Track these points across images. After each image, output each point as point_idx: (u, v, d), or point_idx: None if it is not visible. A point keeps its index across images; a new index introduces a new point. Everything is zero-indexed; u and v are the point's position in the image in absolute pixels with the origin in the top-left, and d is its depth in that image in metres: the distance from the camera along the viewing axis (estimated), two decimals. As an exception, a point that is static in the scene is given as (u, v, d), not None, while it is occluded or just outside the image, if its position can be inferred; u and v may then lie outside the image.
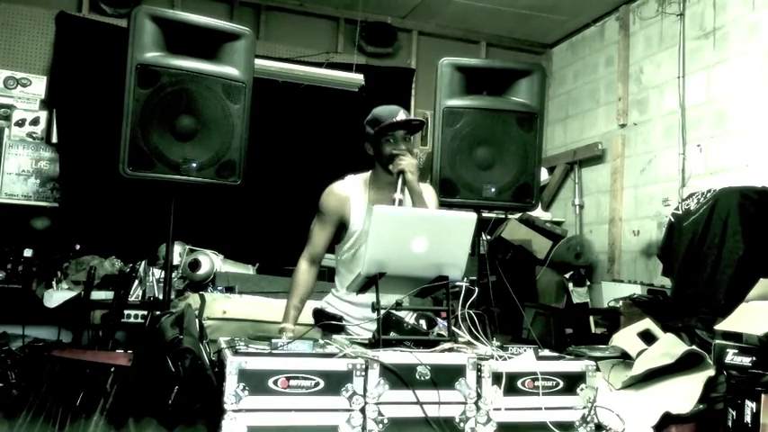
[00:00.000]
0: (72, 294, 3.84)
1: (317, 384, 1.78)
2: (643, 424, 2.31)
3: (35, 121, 4.54)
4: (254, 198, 4.69)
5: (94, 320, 3.67)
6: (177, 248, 4.20)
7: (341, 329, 2.56)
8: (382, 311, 2.03)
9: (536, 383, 1.93)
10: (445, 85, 3.42)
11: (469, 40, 5.87)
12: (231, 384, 1.71)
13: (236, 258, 4.53)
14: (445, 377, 1.88)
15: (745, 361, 2.50)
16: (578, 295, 5.00)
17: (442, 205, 3.22)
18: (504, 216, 4.89)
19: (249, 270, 4.50)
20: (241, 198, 4.37)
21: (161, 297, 3.35)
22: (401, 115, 2.58)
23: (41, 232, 4.42)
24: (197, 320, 2.17)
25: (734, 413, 2.28)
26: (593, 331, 4.23)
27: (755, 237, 3.25)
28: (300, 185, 4.85)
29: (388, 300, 2.08)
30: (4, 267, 4.05)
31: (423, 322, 2.11)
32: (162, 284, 3.55)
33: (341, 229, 2.65)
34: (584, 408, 1.99)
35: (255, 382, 1.73)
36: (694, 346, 2.67)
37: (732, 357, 2.55)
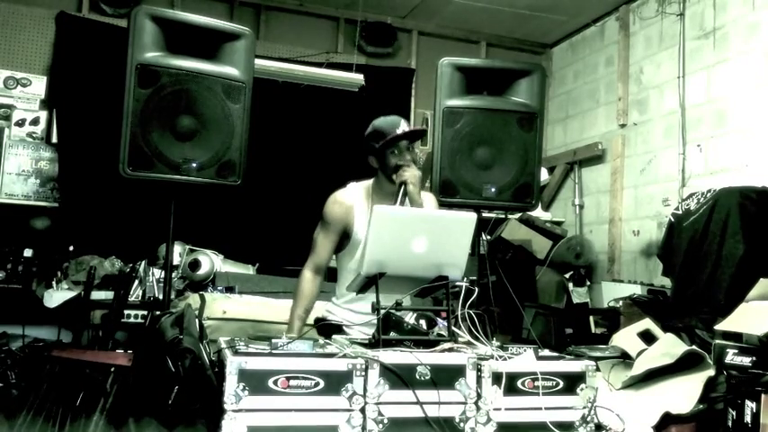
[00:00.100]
0: (72, 294, 3.84)
1: (316, 384, 1.78)
2: (643, 424, 2.31)
3: (35, 121, 4.54)
4: (254, 198, 4.69)
5: (94, 320, 3.67)
6: (177, 248, 4.20)
7: (340, 332, 2.57)
8: (382, 311, 2.03)
9: (536, 383, 1.94)
10: (445, 85, 3.41)
11: (469, 40, 5.87)
12: (231, 384, 1.71)
13: (236, 258, 4.53)
14: (445, 377, 1.88)
15: (745, 361, 2.50)
16: (578, 295, 5.00)
17: (442, 205, 3.22)
18: (504, 216, 4.89)
19: (249, 270, 4.50)
20: (241, 198, 4.37)
21: (161, 297, 3.35)
22: (403, 125, 2.59)
23: (41, 232, 4.42)
24: (197, 320, 2.17)
25: (734, 413, 2.28)
26: (593, 331, 4.23)
27: (755, 237, 3.25)
28: (300, 186, 4.86)
29: (388, 300, 2.08)
30: (4, 267, 4.05)
31: (423, 322, 2.11)
32: (162, 284, 3.55)
33: (343, 238, 2.65)
34: (584, 408, 1.99)
35: (255, 382, 1.73)
36: (694, 346, 2.67)
37: (732, 357, 2.55)
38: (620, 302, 4.01)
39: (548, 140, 5.89)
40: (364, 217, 2.61)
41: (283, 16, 5.40)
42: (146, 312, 3.57)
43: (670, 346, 2.70)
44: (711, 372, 2.49)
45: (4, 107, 4.50)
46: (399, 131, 2.57)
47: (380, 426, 1.81)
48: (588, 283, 5.10)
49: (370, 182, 2.71)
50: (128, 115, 2.90)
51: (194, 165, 3.02)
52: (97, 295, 3.75)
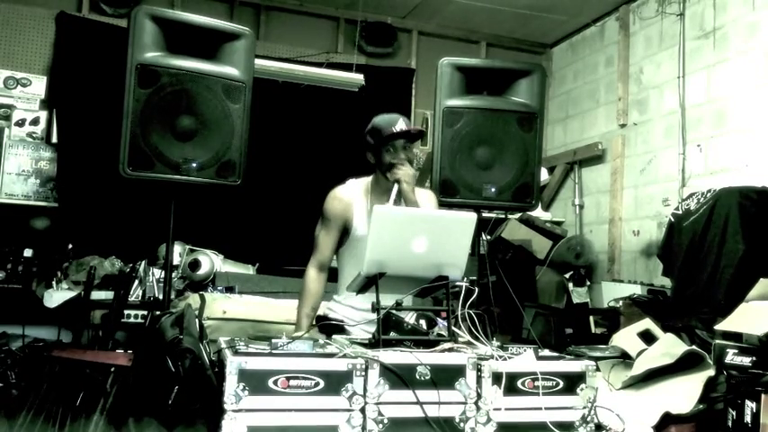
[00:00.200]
0: (72, 294, 3.84)
1: (316, 384, 1.78)
2: (643, 424, 2.31)
3: (35, 121, 4.54)
4: (254, 198, 4.69)
5: (94, 320, 3.67)
6: (177, 248, 4.20)
7: (341, 331, 2.57)
8: (382, 311, 2.03)
9: (536, 383, 1.93)
10: (445, 85, 3.41)
11: (469, 40, 5.87)
12: (231, 384, 1.71)
13: (236, 258, 4.53)
14: (445, 377, 1.88)
15: (745, 361, 2.50)
16: (578, 295, 5.00)
17: (442, 205, 3.22)
18: (504, 216, 4.89)
19: (249, 270, 4.50)
20: (241, 198, 4.37)
21: (161, 297, 3.35)
22: (401, 123, 2.59)
23: (41, 232, 4.42)
24: (197, 320, 2.17)
25: (734, 413, 2.28)
26: (593, 331, 4.23)
27: (755, 237, 3.25)
28: (300, 185, 4.86)
29: (388, 300, 2.08)
30: (4, 267, 4.05)
31: (423, 322, 2.11)
32: (162, 284, 3.55)
33: (343, 234, 2.65)
34: (584, 408, 1.99)
35: (255, 382, 1.73)
36: (694, 346, 2.67)
37: (732, 357, 2.55)
38: (620, 302, 4.01)
39: (548, 140, 5.89)
40: (363, 213, 2.62)
41: (283, 16, 5.40)
42: (146, 312, 3.57)
43: (670, 346, 2.70)
44: (711, 372, 2.49)
45: (4, 107, 4.50)
46: (396, 129, 2.58)
47: (380, 426, 1.81)
48: (588, 283, 5.10)
49: (369, 178, 2.72)
50: (128, 115, 2.90)
51: (194, 165, 3.01)
52: (97, 295, 3.75)
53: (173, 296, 3.53)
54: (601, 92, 5.43)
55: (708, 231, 3.42)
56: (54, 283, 4.03)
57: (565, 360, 2.08)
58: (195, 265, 4.13)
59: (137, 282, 4.01)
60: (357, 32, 5.43)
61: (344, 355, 1.86)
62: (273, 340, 1.89)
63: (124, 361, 2.60)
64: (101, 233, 4.42)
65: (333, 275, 2.87)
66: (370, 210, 2.60)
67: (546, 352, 2.13)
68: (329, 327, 2.55)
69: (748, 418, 2.21)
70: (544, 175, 5.41)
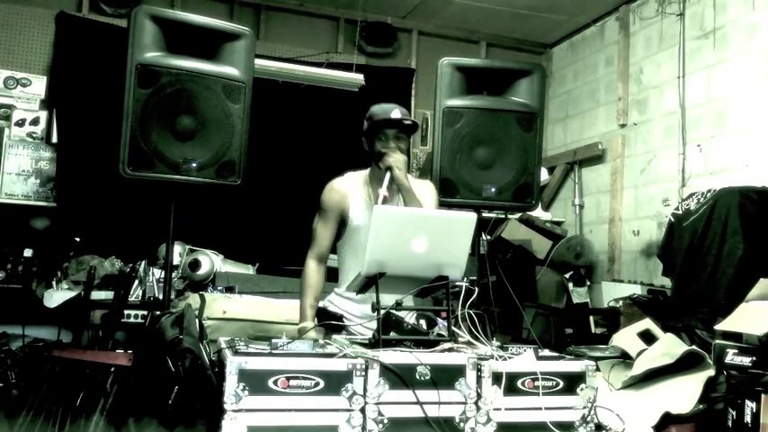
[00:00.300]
0: (72, 294, 3.83)
1: (317, 384, 1.78)
2: (643, 424, 2.31)
3: (35, 121, 4.54)
4: (254, 198, 4.69)
5: (94, 320, 3.67)
6: (177, 248, 4.19)
7: (341, 329, 2.57)
8: (382, 311, 2.03)
9: (536, 383, 1.93)
10: (445, 85, 3.41)
11: (469, 40, 5.87)
12: (231, 384, 1.71)
13: (236, 258, 4.53)
14: (445, 377, 1.88)
15: (745, 361, 2.50)
16: (578, 295, 5.00)
17: (442, 205, 3.22)
18: (504, 216, 4.89)
19: (249, 270, 4.50)
20: (241, 198, 4.37)
21: (161, 297, 3.35)
22: (396, 113, 2.59)
23: (41, 232, 4.42)
24: (197, 320, 2.17)
25: (734, 413, 2.28)
26: (593, 331, 4.23)
27: (755, 237, 3.25)
28: (300, 185, 4.84)
29: (388, 300, 2.08)
30: (4, 267, 4.05)
31: (423, 322, 2.11)
32: (162, 284, 3.55)
33: (341, 225, 2.66)
34: (585, 408, 1.99)
35: (255, 382, 1.73)
36: (694, 346, 2.67)
37: (732, 357, 2.55)
38: (620, 302, 4.01)
39: (548, 140, 5.89)
40: (359, 203, 2.62)
41: (283, 16, 5.40)
42: (146, 312, 3.57)
43: (670, 346, 2.70)
44: (711, 372, 2.49)
45: (4, 107, 4.50)
46: (386, 117, 2.59)
47: (380, 426, 1.81)
48: (588, 283, 5.10)
49: (367, 170, 2.72)
50: (128, 115, 2.90)
51: (194, 165, 3.01)
52: (97, 295, 3.75)
53: (173, 296, 3.53)
54: (601, 92, 5.43)
55: (708, 231, 3.42)
56: (54, 283, 4.03)
57: (565, 360, 2.09)
58: (195, 265, 4.13)
59: (137, 282, 4.01)
60: (357, 32, 5.43)
61: (344, 355, 1.86)
62: (273, 340, 1.89)
63: (124, 361, 2.60)
64: (101, 233, 4.42)
65: (332, 276, 2.87)
66: (367, 200, 2.61)
67: (546, 352, 2.13)
68: (328, 321, 2.55)
69: (748, 418, 2.21)
70: (544, 175, 5.40)
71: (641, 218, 4.85)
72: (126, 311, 3.64)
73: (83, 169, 4.48)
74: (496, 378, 1.90)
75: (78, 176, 4.49)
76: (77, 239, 4.22)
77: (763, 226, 3.28)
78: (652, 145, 4.79)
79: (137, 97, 2.91)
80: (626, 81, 5.08)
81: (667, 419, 2.35)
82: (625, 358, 2.86)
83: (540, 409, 1.93)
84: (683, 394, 2.44)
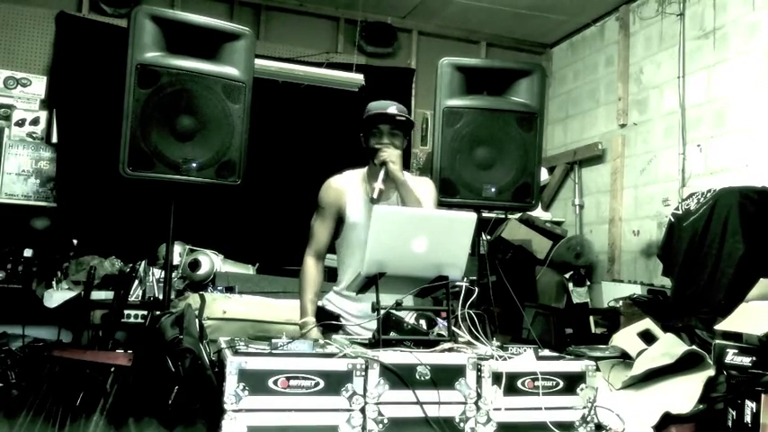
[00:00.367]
0: (72, 294, 3.83)
1: (316, 384, 1.78)
2: (643, 424, 2.31)
3: (35, 121, 4.54)
4: (254, 198, 4.69)
5: (94, 320, 3.67)
6: (177, 248, 4.20)
7: (339, 328, 2.57)
8: (382, 311, 2.03)
9: (536, 383, 1.93)
10: (445, 85, 3.41)
11: (469, 40, 5.87)
12: (231, 384, 1.71)
13: (236, 258, 4.53)
14: (445, 377, 1.88)
15: (745, 361, 2.50)
16: (578, 295, 4.99)
17: (442, 205, 3.22)
18: (504, 216, 4.89)
19: (249, 270, 4.50)
20: (241, 198, 4.37)
21: (161, 297, 3.35)
22: (392, 109, 2.60)
23: (41, 232, 4.42)
24: (197, 320, 2.17)
25: (734, 413, 2.28)
26: (593, 331, 4.23)
27: (755, 237, 3.25)
28: (300, 185, 4.82)
29: (388, 300, 2.08)
30: (4, 267, 4.05)
31: (423, 322, 2.11)
32: (162, 284, 3.55)
33: (339, 223, 2.66)
34: (585, 408, 1.99)
35: (255, 382, 1.73)
36: (694, 346, 2.67)
37: (732, 357, 2.55)
38: (620, 302, 4.01)
39: (548, 140, 5.89)
40: (357, 199, 2.62)
41: (283, 16, 5.40)
42: (146, 312, 3.57)
43: (670, 346, 2.70)
44: (711, 372, 2.49)
45: (4, 107, 4.50)
46: (379, 112, 2.59)
47: (380, 426, 1.81)
48: (588, 283, 5.10)
49: (365, 168, 2.71)
50: (128, 115, 2.90)
51: (194, 165, 3.01)
52: (97, 295, 3.75)
53: (173, 296, 3.53)
54: (601, 92, 5.43)
55: (708, 231, 3.42)
56: (54, 283, 4.03)
57: (565, 360, 2.08)
58: (195, 265, 4.13)
59: (137, 282, 4.01)
60: (357, 32, 5.43)
61: (344, 355, 1.86)
62: (273, 340, 1.89)
63: (124, 361, 2.60)
64: (101, 233, 4.42)
65: (332, 276, 2.87)
66: (365, 197, 2.61)
67: (546, 352, 2.13)
68: (325, 316, 2.56)
69: (748, 418, 2.21)
70: (544, 175, 5.40)
71: (641, 218, 4.85)
72: (126, 311, 3.64)
73: (83, 169, 4.48)
74: (496, 378, 1.90)
75: (78, 176, 4.49)
76: (75, 242, 4.21)
77: (763, 226, 3.28)
78: (652, 145, 4.79)
79: (137, 97, 2.91)
80: (626, 81, 5.08)
81: (667, 419, 2.35)
82: (625, 358, 2.86)
83: (540, 409, 1.93)
84: (683, 394, 2.44)
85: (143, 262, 4.08)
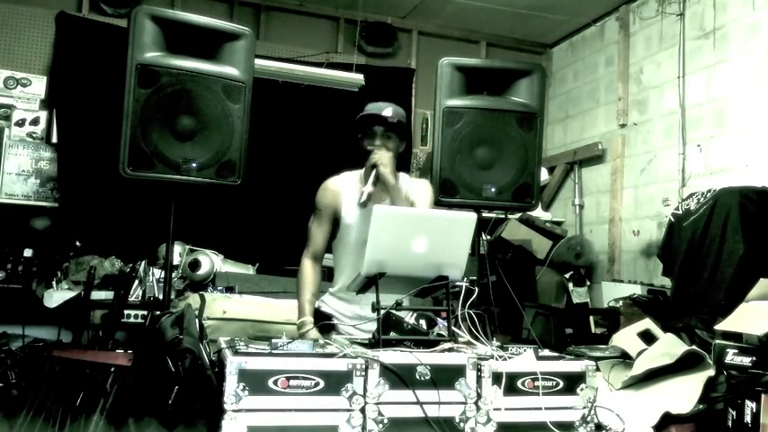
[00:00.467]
0: (72, 294, 3.84)
1: (316, 384, 1.78)
2: (643, 424, 2.31)
3: (35, 121, 4.54)
4: (254, 198, 4.69)
5: (94, 320, 3.67)
6: (177, 248, 4.20)
7: (332, 328, 2.57)
8: (382, 311, 2.03)
9: (536, 383, 1.93)
10: (445, 85, 3.41)
11: (469, 40, 5.87)
12: (231, 384, 1.71)
13: (236, 258, 4.53)
14: (445, 377, 1.88)
15: (745, 361, 2.49)
16: (578, 295, 5.00)
17: (443, 205, 3.22)
18: (504, 216, 4.89)
19: (249, 270, 4.50)
20: (241, 198, 4.37)
21: (161, 297, 3.35)
22: (387, 111, 2.59)
23: (41, 232, 4.42)
24: (197, 320, 2.17)
25: (734, 413, 2.28)
26: (593, 331, 4.23)
27: (755, 237, 3.25)
28: (300, 185, 4.81)
29: (388, 300, 2.08)
30: (4, 267, 4.05)
31: (423, 322, 2.11)
32: (162, 284, 3.55)
33: (335, 224, 2.66)
34: (584, 408, 1.99)
35: (255, 382, 1.73)
36: (694, 346, 2.67)
37: (732, 357, 2.55)
38: (620, 302, 4.01)
39: (548, 140, 5.89)
40: (353, 202, 2.62)
41: (283, 16, 5.40)
42: (146, 312, 3.57)
43: (670, 346, 2.70)
44: (711, 372, 2.49)
45: (4, 107, 4.50)
46: (371, 113, 2.60)
47: (380, 426, 1.81)
48: (588, 283, 5.10)
49: (363, 169, 2.71)
50: (128, 115, 2.90)
51: (194, 165, 3.01)
52: (97, 295, 3.75)
53: (173, 296, 3.53)
54: (601, 92, 5.43)
55: (708, 231, 3.42)
56: (54, 283, 4.03)
57: (565, 360, 2.08)
58: (195, 265, 4.13)
59: (137, 282, 4.01)
60: (357, 32, 5.43)
61: (344, 355, 1.86)
62: (273, 340, 1.89)
63: (124, 361, 2.60)
64: (101, 233, 4.42)
65: (330, 277, 2.87)
66: (359, 197, 2.60)
67: (546, 352, 2.13)
68: (318, 317, 2.56)
69: (748, 418, 2.21)
70: (544, 175, 5.41)
71: (641, 218, 4.85)
72: (126, 311, 3.64)
73: (83, 169, 4.48)
74: (496, 378, 1.90)
75: (78, 176, 4.50)
76: (78, 243, 4.21)
77: (763, 226, 3.28)
78: (652, 145, 4.79)
79: (137, 97, 2.91)
80: (626, 81, 5.08)
81: (667, 419, 2.35)
82: (625, 358, 2.86)
83: (540, 409, 1.93)
84: (683, 394, 2.44)
85: (143, 262, 4.08)
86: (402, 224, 2.10)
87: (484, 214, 4.03)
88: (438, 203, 3.19)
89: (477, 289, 2.14)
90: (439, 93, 3.42)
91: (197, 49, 3.05)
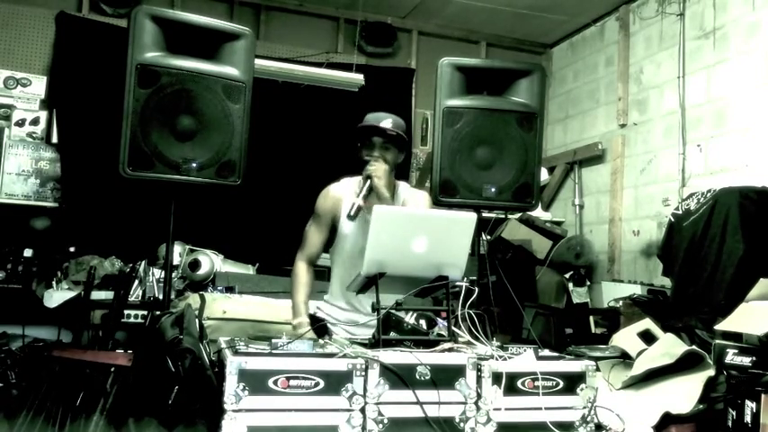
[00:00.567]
0: (72, 294, 3.84)
1: (316, 384, 1.78)
2: (643, 424, 2.31)
3: (35, 121, 4.54)
4: (254, 198, 4.69)
5: (94, 320, 3.67)
6: (177, 248, 4.20)
7: (325, 331, 2.58)
8: (382, 311, 2.03)
9: (536, 383, 1.93)
10: (445, 84, 3.41)
11: (469, 40, 5.87)
12: (231, 384, 1.71)
13: (236, 258, 4.53)
14: (445, 377, 1.88)
15: (745, 361, 2.49)
16: (578, 295, 5.00)
17: (443, 205, 3.22)
18: (504, 216, 4.89)
19: (249, 270, 4.50)
20: (241, 198, 4.37)
21: (161, 297, 3.34)
22: (386, 123, 2.60)
23: (41, 232, 4.42)
24: (197, 320, 2.17)
25: (734, 413, 2.28)
26: (593, 331, 4.23)
27: (755, 237, 3.25)
28: (300, 185, 4.83)
29: (388, 300, 2.08)
30: (4, 267, 4.05)
31: (423, 322, 2.11)
32: (162, 284, 3.55)
33: (333, 231, 2.66)
34: (585, 408, 1.99)
35: (255, 382, 1.73)
36: (694, 346, 2.67)
37: (732, 357, 2.55)
38: (620, 302, 4.01)
39: (548, 140, 5.89)
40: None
41: (283, 16, 5.40)
42: (146, 312, 3.57)
43: (670, 346, 2.70)
44: (711, 372, 2.49)
45: (4, 107, 4.51)
46: (370, 124, 2.60)
47: (380, 426, 1.81)
48: (588, 283, 5.10)
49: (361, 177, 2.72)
50: (128, 115, 2.90)
51: (194, 165, 3.01)
52: (97, 295, 3.75)
53: (173, 296, 3.53)
54: (601, 92, 5.43)
55: (708, 231, 3.42)
56: (54, 283, 4.03)
57: (565, 360, 2.08)
58: (195, 265, 4.13)
59: (137, 282, 4.01)
60: (357, 32, 5.43)
61: (344, 355, 1.86)
62: (273, 340, 1.89)
63: (124, 361, 2.60)
64: (101, 233, 4.42)
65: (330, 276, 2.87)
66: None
67: (546, 352, 2.13)
68: (312, 321, 2.56)
69: (748, 418, 2.21)
70: (544, 175, 5.41)
71: (641, 218, 4.85)
72: (126, 311, 3.64)
73: (83, 169, 4.49)
74: (496, 378, 1.90)
75: (78, 176, 4.50)
76: (72, 249, 4.21)
77: (763, 226, 3.28)
78: (652, 145, 4.79)
79: (137, 97, 2.91)
80: (626, 81, 5.08)
81: (667, 419, 2.35)
82: (625, 358, 2.86)
83: (540, 409, 1.93)
84: (683, 394, 2.44)
85: (143, 262, 4.08)
86: (402, 224, 2.11)
87: (484, 214, 4.03)
88: (438, 203, 3.19)
89: (477, 289, 2.14)
90: (439, 93, 3.41)
91: (197, 49, 3.05)
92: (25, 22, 4.68)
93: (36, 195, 4.48)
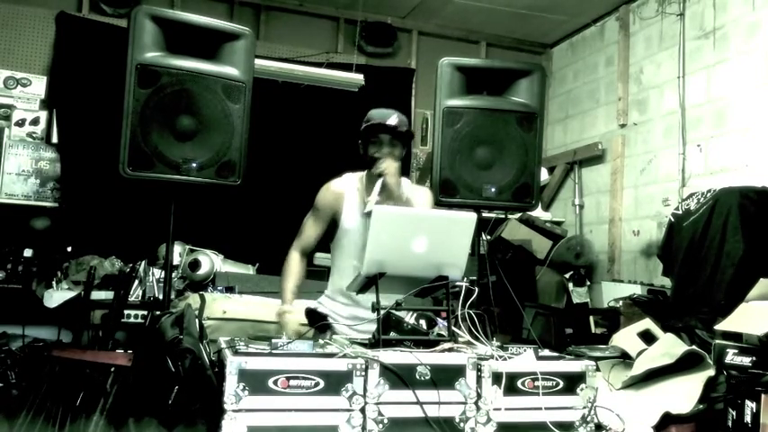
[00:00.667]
0: (72, 294, 3.83)
1: (316, 384, 1.78)
2: (643, 424, 2.31)
3: (35, 121, 4.54)
4: (254, 198, 4.69)
5: (94, 320, 3.67)
6: (177, 248, 4.19)
7: (327, 327, 2.58)
8: (382, 311, 2.03)
9: (536, 383, 1.94)
10: (445, 84, 3.41)
11: (469, 40, 5.87)
12: (231, 384, 1.72)
13: (236, 258, 4.53)
14: (445, 377, 1.88)
15: (745, 361, 2.50)
16: (578, 295, 5.00)
17: (443, 205, 3.23)
18: (504, 216, 4.89)
19: (249, 270, 4.50)
20: (241, 198, 4.37)
21: (161, 297, 3.35)
22: (393, 119, 2.59)
23: (41, 232, 4.42)
24: (197, 320, 2.17)
25: (734, 413, 2.28)
26: (593, 331, 4.23)
27: (755, 237, 3.25)
28: (300, 185, 4.80)
29: (388, 300, 2.08)
30: (4, 267, 4.05)
31: (423, 322, 2.11)
32: (162, 284, 3.55)
33: (333, 226, 2.66)
34: (585, 408, 1.99)
35: (255, 382, 1.73)
36: (694, 346, 2.67)
37: (732, 357, 2.55)
38: (620, 302, 4.01)
39: (548, 140, 5.89)
40: (353, 205, 2.63)
41: (283, 16, 5.40)
42: (146, 312, 3.56)
43: (670, 346, 2.70)
44: (711, 372, 2.49)
45: (4, 107, 4.50)
46: (384, 123, 2.59)
47: (380, 426, 1.81)
48: (588, 283, 5.10)
49: (364, 172, 2.72)
50: (128, 115, 2.90)
51: (194, 165, 3.01)
52: (97, 295, 3.75)
53: (173, 296, 3.53)
54: (601, 92, 5.43)
55: (708, 231, 3.42)
56: (54, 283, 4.03)
57: (565, 360, 2.09)
58: (195, 265, 4.13)
59: (137, 282, 4.00)
60: (357, 32, 5.43)
61: (344, 355, 1.86)
62: (273, 340, 1.89)
63: (124, 361, 2.60)
64: (101, 233, 4.42)
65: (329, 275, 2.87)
66: (360, 204, 2.61)
67: (546, 352, 2.13)
68: (314, 316, 2.56)
69: (748, 418, 2.21)
70: (544, 175, 5.40)
71: (641, 218, 4.85)
72: (126, 311, 3.64)
73: (83, 169, 4.48)
74: (496, 378, 1.90)
75: (78, 176, 4.49)
76: (69, 249, 4.21)
77: (763, 226, 3.28)
78: (652, 145, 4.79)
79: (137, 97, 2.91)
80: (626, 81, 5.08)
81: (667, 419, 2.35)
82: (625, 358, 2.86)
83: (540, 409, 1.93)
84: (683, 394, 2.44)
85: (143, 262, 4.08)
86: (402, 224, 2.11)
87: (484, 214, 4.03)
88: (438, 203, 3.19)
89: (477, 289, 2.14)
90: (439, 93, 3.41)
91: (197, 49, 3.05)
92: (25, 22, 4.68)
93: (36, 195, 4.48)
